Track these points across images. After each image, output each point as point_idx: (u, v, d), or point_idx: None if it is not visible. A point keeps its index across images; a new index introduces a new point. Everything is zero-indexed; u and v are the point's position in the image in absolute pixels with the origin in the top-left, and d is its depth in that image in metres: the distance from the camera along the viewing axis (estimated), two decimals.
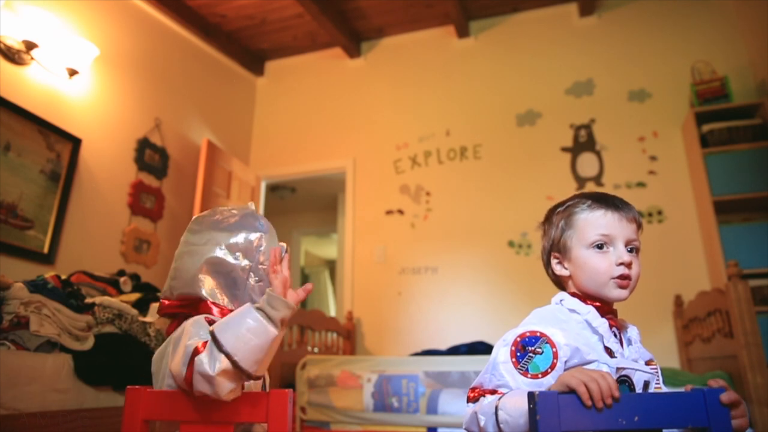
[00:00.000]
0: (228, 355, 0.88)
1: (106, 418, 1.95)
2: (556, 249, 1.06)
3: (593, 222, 1.01)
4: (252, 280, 1.06)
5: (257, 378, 0.93)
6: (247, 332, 0.90)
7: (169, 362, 0.96)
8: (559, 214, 1.07)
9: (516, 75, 4.17)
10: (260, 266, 1.07)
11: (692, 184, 3.53)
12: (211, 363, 0.88)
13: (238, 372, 0.89)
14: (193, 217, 1.15)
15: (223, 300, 1.04)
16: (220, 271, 1.05)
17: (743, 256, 2.90)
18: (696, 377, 2.46)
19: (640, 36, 3.92)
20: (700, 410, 0.80)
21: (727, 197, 3.15)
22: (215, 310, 1.02)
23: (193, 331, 0.94)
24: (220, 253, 1.05)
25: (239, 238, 1.07)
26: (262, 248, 1.08)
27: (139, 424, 0.96)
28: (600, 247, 0.99)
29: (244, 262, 1.06)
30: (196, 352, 0.90)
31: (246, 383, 1.00)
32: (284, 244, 1.10)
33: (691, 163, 3.51)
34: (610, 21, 4.04)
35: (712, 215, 3.16)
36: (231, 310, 1.00)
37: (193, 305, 1.04)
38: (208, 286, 1.04)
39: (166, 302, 1.07)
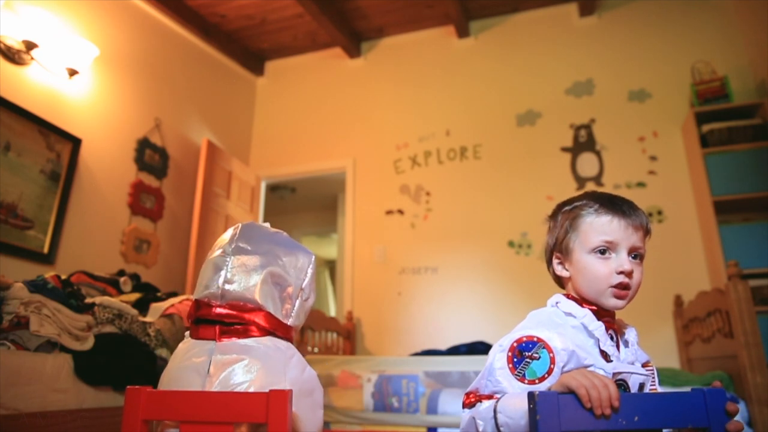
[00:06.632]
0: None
1: (106, 418, 1.95)
2: (558, 249, 1.04)
3: (598, 227, 0.98)
4: (302, 297, 1.08)
5: None
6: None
7: None
8: (564, 214, 1.05)
9: (516, 75, 4.17)
10: (306, 287, 1.09)
11: (692, 184, 3.53)
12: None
13: None
14: (244, 224, 1.11)
15: (277, 312, 1.03)
16: (280, 283, 1.05)
17: (743, 256, 2.90)
18: (696, 377, 2.46)
19: (640, 36, 3.92)
20: (700, 410, 0.80)
21: (727, 197, 3.15)
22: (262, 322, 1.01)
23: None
24: (280, 266, 1.05)
25: (295, 256, 1.08)
26: (310, 269, 1.10)
27: (139, 424, 0.96)
28: (603, 252, 0.97)
29: (297, 280, 1.08)
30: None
31: None
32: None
33: (691, 163, 3.50)
34: (610, 21, 4.03)
35: (712, 215, 3.16)
36: (280, 323, 1.02)
37: (247, 312, 1.00)
38: (265, 295, 1.02)
39: (217, 307, 1.00)
